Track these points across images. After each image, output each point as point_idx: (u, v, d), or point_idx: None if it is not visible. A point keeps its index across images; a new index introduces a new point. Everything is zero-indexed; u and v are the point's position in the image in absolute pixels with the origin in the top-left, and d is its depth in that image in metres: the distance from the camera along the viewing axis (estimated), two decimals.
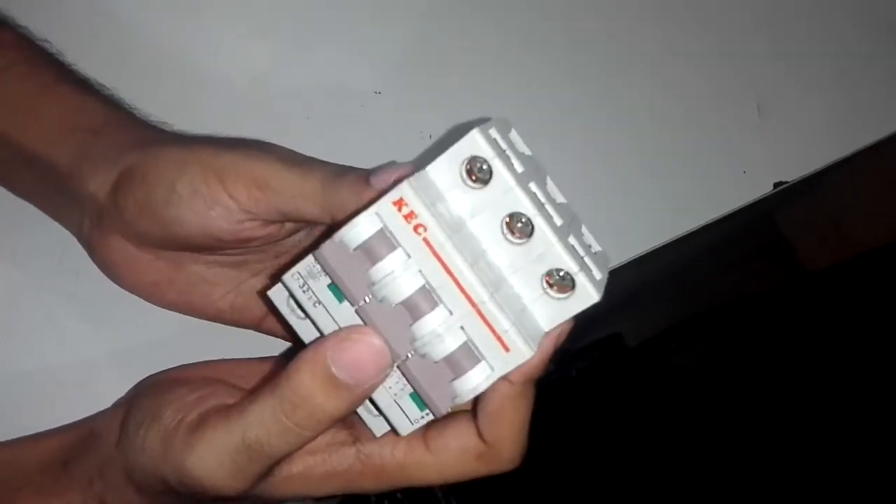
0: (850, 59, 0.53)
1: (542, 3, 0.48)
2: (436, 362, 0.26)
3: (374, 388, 0.26)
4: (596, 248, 0.29)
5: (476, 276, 0.25)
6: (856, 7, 0.55)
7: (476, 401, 0.28)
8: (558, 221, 0.26)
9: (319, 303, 0.26)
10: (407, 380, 0.26)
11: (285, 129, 0.42)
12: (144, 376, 0.34)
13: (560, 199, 0.29)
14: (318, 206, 0.28)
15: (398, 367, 0.26)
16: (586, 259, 0.26)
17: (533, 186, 0.26)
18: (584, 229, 0.29)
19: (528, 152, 0.28)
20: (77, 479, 0.31)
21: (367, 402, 0.27)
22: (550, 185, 0.29)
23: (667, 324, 1.05)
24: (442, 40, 0.46)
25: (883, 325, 1.07)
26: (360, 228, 0.25)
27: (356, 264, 0.25)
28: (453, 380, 0.26)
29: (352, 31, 0.44)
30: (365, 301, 0.26)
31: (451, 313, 0.25)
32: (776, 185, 0.49)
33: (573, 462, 0.93)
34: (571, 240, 0.26)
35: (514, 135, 0.28)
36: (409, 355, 0.26)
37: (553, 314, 0.26)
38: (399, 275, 0.25)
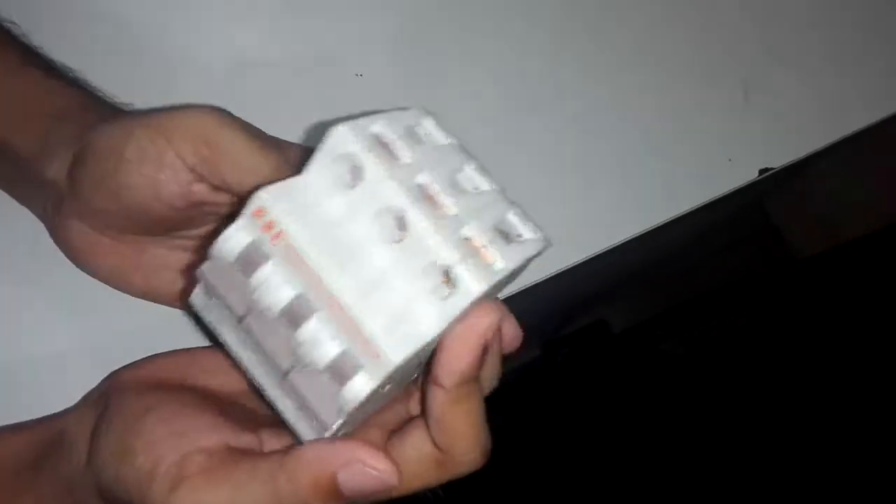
0: (839, 43, 0.53)
1: None
2: (320, 372, 0.24)
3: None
4: (527, 234, 0.27)
5: (345, 279, 0.24)
6: None
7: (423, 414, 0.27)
8: (452, 210, 0.25)
9: (221, 321, 0.26)
10: (294, 394, 0.25)
11: (265, 108, 0.42)
12: (117, 367, 0.33)
13: (484, 186, 0.27)
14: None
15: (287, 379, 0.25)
16: (485, 248, 0.25)
17: (424, 177, 0.25)
18: (513, 215, 0.27)
19: (444, 141, 0.27)
20: (48, 487, 0.30)
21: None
22: (470, 172, 0.27)
23: (653, 311, 1.05)
24: (425, 22, 0.46)
25: (871, 313, 1.07)
26: (230, 242, 0.24)
27: (235, 278, 0.24)
28: (340, 390, 0.24)
29: (333, 13, 0.44)
30: (247, 315, 0.25)
31: (325, 321, 0.24)
32: (762, 171, 0.48)
33: (558, 447, 0.93)
34: (468, 230, 0.24)
35: (428, 124, 0.27)
36: (293, 367, 0.25)
37: (440, 312, 0.24)
38: (271, 286, 0.24)
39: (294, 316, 0.24)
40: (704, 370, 1.02)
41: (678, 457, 0.98)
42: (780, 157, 0.49)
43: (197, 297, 0.26)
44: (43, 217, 0.34)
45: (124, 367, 0.32)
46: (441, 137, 0.27)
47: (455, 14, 0.46)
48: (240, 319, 0.25)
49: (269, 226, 0.24)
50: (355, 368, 0.24)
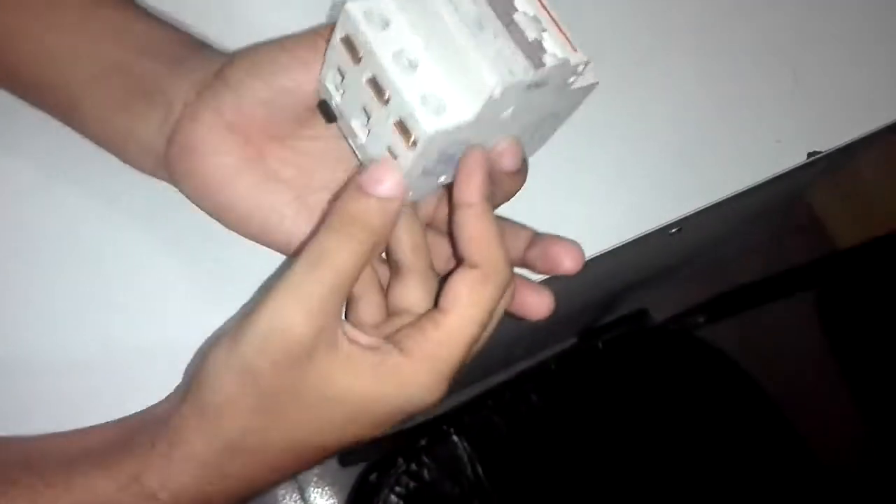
0: (890, 24, 0.53)
1: None
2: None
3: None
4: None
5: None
6: None
7: (453, 243, 0.33)
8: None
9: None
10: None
11: None
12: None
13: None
14: None
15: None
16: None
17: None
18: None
19: None
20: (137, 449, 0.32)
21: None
22: None
23: (694, 299, 1.05)
24: None
25: None
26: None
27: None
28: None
29: None
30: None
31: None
32: (810, 154, 0.48)
33: (598, 434, 0.93)
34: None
35: None
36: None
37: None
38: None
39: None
40: (745, 359, 1.01)
41: (715, 444, 0.98)
42: (829, 141, 0.49)
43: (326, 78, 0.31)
44: (159, 129, 0.35)
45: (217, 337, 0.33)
46: None
47: None
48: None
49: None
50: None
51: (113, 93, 0.35)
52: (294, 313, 0.29)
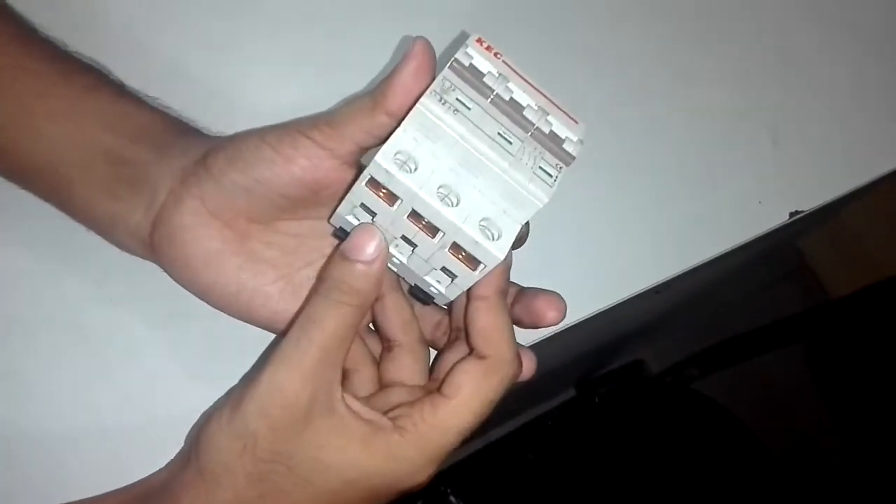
0: (864, 86, 0.54)
1: (555, 31, 0.49)
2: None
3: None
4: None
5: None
6: (870, 35, 0.55)
7: (465, 333, 0.34)
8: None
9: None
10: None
11: None
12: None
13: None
14: (374, 116, 0.32)
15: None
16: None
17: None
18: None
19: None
20: None
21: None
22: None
23: (689, 351, 1.05)
24: None
25: None
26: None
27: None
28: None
29: (379, 68, 0.46)
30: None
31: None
32: (792, 214, 0.49)
33: (594, 486, 0.93)
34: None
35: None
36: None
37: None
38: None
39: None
40: (741, 410, 1.01)
41: (713, 496, 0.97)
42: (810, 200, 0.50)
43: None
44: (145, 213, 0.35)
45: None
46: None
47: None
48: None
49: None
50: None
51: (100, 178, 0.35)
52: (289, 377, 0.30)
